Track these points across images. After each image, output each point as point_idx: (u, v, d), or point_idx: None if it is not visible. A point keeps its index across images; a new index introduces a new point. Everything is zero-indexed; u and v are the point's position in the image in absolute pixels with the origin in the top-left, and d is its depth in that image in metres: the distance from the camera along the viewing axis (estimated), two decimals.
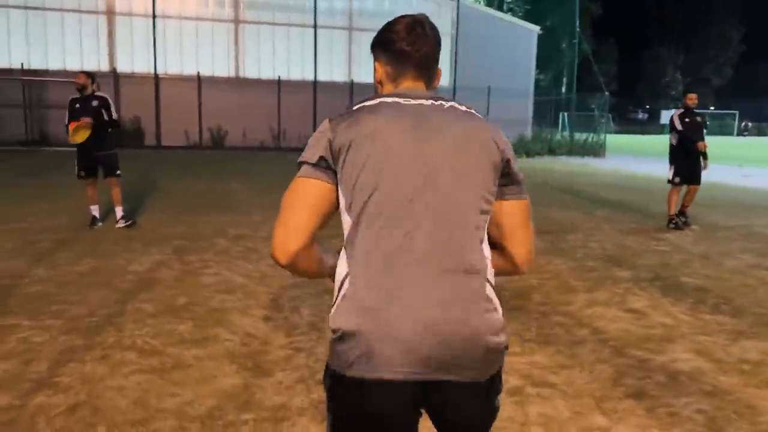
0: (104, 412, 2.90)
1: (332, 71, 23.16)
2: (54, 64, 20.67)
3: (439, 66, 1.61)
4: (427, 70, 1.56)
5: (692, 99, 8.49)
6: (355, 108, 1.48)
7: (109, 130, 7.42)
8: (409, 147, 1.41)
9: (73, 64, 20.40)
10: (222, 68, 22.23)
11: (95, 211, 7.50)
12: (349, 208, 1.41)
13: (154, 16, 21.34)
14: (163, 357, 3.62)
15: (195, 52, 21.88)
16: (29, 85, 20.35)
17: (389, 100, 1.48)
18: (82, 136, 7.12)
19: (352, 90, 22.71)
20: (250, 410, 3.00)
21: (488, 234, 1.50)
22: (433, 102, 1.49)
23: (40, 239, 6.65)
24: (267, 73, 22.53)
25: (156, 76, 21.54)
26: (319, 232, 1.45)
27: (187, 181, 12.25)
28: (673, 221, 8.35)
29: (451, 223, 1.39)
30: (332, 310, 1.42)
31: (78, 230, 7.22)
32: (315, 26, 22.63)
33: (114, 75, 21.03)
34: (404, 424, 1.40)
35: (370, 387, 1.34)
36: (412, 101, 1.48)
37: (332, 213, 1.46)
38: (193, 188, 11.33)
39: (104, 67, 21.13)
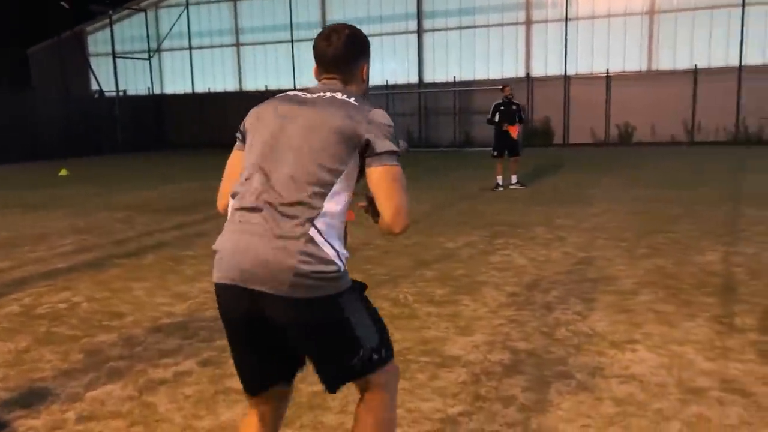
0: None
1: (765, 52, 21.11)
2: (480, 75, 24.55)
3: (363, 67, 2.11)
4: (335, 68, 2.06)
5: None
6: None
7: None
8: (272, 122, 1.97)
9: (495, 74, 24.08)
10: (633, 63, 22.65)
11: (499, 179, 11.31)
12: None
13: (566, 20, 23.23)
14: (405, 309, 4.62)
15: (606, 49, 22.94)
16: (459, 94, 24.68)
17: (291, 92, 2.07)
18: (514, 133, 11.27)
19: None
20: (428, 355, 3.77)
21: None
22: (321, 94, 1.99)
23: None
24: (683, 63, 21.93)
25: (566, 78, 23.37)
26: None
27: (561, 175, 13.58)
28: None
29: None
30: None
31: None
32: (743, 4, 21.10)
33: (528, 79, 23.61)
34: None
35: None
36: (309, 95, 2.01)
37: None
38: (562, 181, 12.46)
39: (520, 73, 23.99)
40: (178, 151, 26.55)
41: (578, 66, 23.46)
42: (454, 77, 24.90)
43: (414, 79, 25.79)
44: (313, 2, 27.11)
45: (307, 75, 27.35)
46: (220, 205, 2.10)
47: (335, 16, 26.59)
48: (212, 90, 29.34)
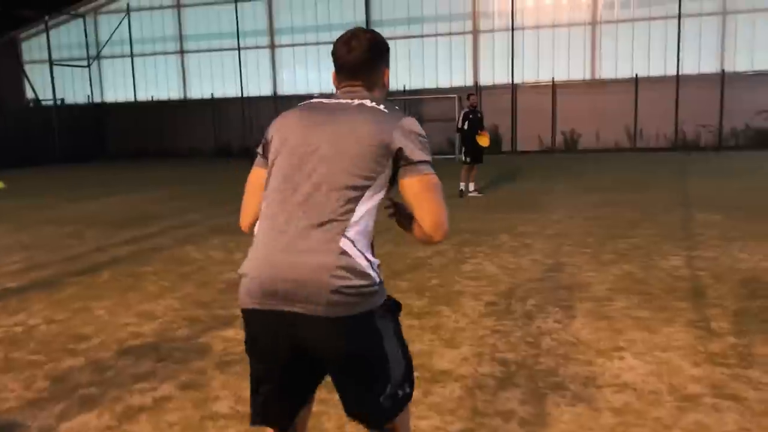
0: None
1: (700, 62, 22.07)
2: (429, 83, 24.83)
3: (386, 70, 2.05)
4: (357, 75, 1.96)
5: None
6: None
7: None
8: (299, 132, 1.86)
9: (444, 83, 24.54)
10: (577, 72, 23.29)
11: (462, 186, 11.50)
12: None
13: (512, 29, 23.61)
14: None
15: (551, 58, 23.45)
16: (409, 103, 24.49)
17: (315, 101, 1.96)
18: (486, 141, 11.58)
19: (723, 82, 21.49)
20: (417, 370, 3.38)
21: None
22: (350, 101, 1.90)
23: None
24: (624, 72, 22.67)
25: (513, 86, 23.73)
26: None
27: (514, 182, 13.77)
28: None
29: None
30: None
31: None
32: (679, 16, 21.95)
33: (476, 88, 23.57)
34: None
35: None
36: (335, 102, 1.92)
37: None
38: (515, 188, 12.61)
39: (469, 82, 24.07)
40: (120, 162, 25.66)
41: (525, 75, 23.87)
42: (404, 86, 24.95)
43: None
44: (260, 10, 26.72)
45: (254, 82, 26.94)
46: (244, 223, 1.99)
47: (282, 24, 26.31)
48: (155, 98, 28.51)
